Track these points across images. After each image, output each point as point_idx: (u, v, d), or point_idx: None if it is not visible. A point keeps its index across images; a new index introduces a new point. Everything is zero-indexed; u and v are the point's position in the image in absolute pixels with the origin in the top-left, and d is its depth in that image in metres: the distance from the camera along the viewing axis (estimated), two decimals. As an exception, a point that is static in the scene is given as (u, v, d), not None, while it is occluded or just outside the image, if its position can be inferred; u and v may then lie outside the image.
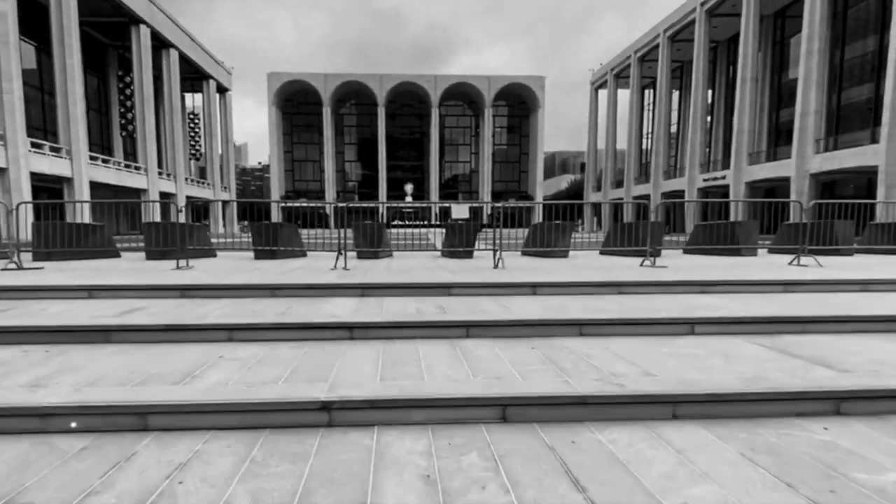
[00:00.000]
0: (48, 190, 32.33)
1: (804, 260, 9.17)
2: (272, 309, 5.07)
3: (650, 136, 57.89)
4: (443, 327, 4.46)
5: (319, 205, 47.83)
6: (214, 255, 11.63)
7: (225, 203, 53.56)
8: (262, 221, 11.35)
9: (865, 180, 31.42)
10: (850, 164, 29.40)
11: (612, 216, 56.22)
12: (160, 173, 42.85)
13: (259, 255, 10.80)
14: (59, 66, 31.10)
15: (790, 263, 9.02)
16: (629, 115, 59.82)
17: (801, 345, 4.12)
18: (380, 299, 5.77)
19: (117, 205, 32.86)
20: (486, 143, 72.48)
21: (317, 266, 8.92)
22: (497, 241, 9.26)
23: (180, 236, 9.35)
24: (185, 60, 47.34)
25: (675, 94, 55.48)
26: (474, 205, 55.62)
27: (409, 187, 73.55)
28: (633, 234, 11.29)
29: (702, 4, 42.54)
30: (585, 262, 9.76)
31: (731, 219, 35.95)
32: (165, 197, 43.60)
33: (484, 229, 16.71)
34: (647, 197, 52.66)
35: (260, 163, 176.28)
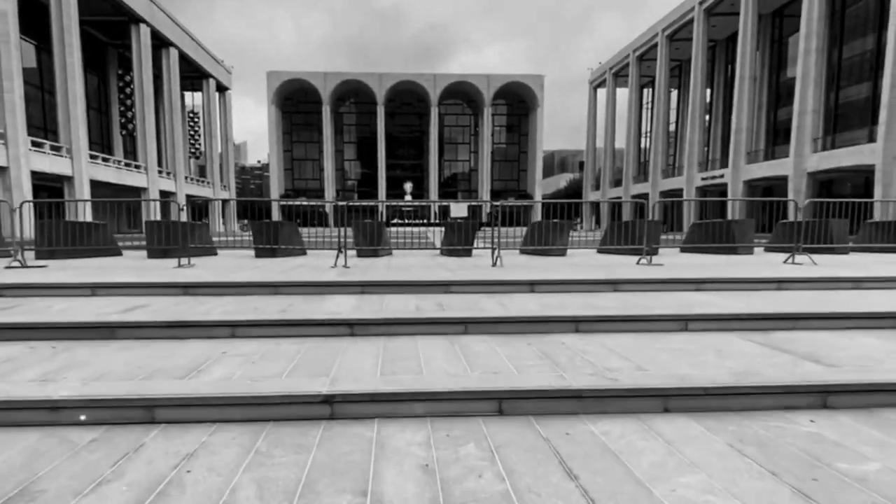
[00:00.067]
0: (48, 188, 32.38)
1: (799, 258, 9.26)
2: (274, 306, 5.15)
3: (649, 134, 58.01)
4: (442, 324, 4.55)
5: (319, 203, 47.91)
6: (215, 254, 11.71)
7: (225, 201, 53.62)
8: (262, 220, 11.42)
9: (863, 179, 31.53)
10: (848, 162, 29.51)
11: (610, 215, 56.34)
12: (160, 172, 42.89)
13: (260, 254, 10.88)
14: (60, 65, 31.15)
15: (785, 262, 9.11)
16: (628, 113, 59.90)
17: (792, 341, 4.21)
18: (380, 297, 5.86)
19: (117, 203, 32.92)
20: (485, 141, 72.58)
21: (317, 264, 9.00)
22: (495, 240, 9.34)
23: (182, 235, 9.43)
24: (184, 59, 47.37)
25: (674, 93, 55.59)
26: (473, 203, 55.74)
27: (408, 186, 73.64)
28: (630, 232, 11.38)
29: (700, 3, 42.60)
30: (583, 261, 9.85)
31: (729, 217, 36.08)
32: (165, 195, 43.67)
33: (483, 228, 16.80)
34: (645, 196, 52.76)
35: (259, 161, 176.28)
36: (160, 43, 42.70)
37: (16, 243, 8.72)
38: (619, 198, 56.90)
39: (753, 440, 2.66)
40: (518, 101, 77.25)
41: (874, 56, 30.56)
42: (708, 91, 48.33)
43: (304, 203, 33.31)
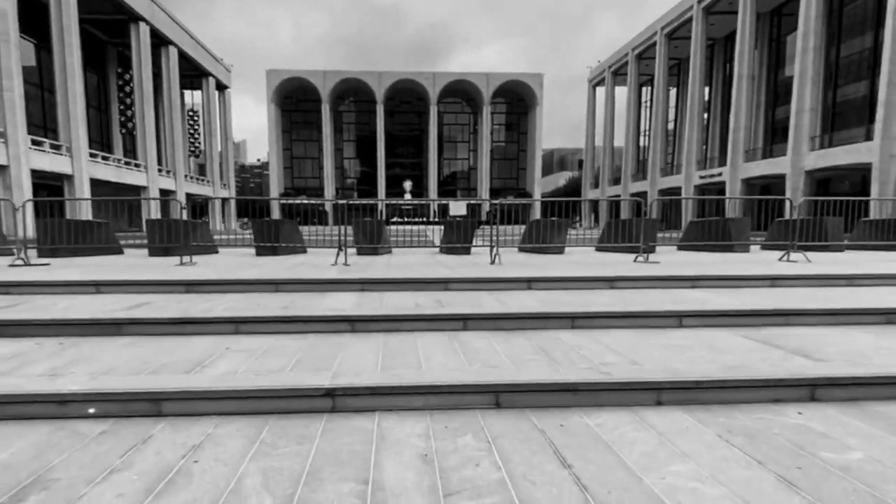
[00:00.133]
0: (48, 187, 32.43)
1: (794, 256, 9.36)
2: (276, 303, 5.24)
3: (647, 133, 58.10)
4: (441, 320, 4.64)
5: (319, 202, 47.97)
6: (216, 252, 11.79)
7: (224, 200, 53.66)
8: (263, 218, 11.50)
9: (860, 177, 31.63)
10: (845, 161, 29.61)
11: (609, 213, 56.42)
12: (160, 170, 42.93)
13: (261, 252, 10.96)
14: (59, 64, 31.18)
15: (780, 259, 9.20)
16: (627, 112, 59.93)
17: (783, 336, 4.30)
18: (380, 294, 5.95)
19: (118, 202, 32.98)
20: (484, 140, 72.59)
21: (317, 262, 9.08)
22: (494, 238, 9.42)
23: (184, 233, 9.51)
24: (184, 58, 47.37)
25: (673, 92, 55.64)
26: (472, 202, 55.84)
27: (407, 184, 73.68)
28: (628, 230, 11.47)
29: (699, 2, 42.64)
30: (581, 259, 9.94)
31: (727, 215, 36.19)
32: (165, 194, 43.71)
33: (482, 226, 16.88)
34: (644, 194, 52.84)
35: (259, 160, 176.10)
36: (160, 41, 42.71)
37: (19, 241, 8.79)
38: (618, 196, 57.04)
39: (742, 431, 2.75)
40: (517, 100, 77.25)
41: (872, 54, 30.64)
42: (706, 89, 48.39)
43: (304, 202, 33.37)
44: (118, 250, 11.52)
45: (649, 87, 58.00)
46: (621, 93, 62.40)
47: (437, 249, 12.76)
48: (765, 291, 6.04)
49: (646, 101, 60.12)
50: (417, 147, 79.30)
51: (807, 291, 6.03)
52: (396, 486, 2.22)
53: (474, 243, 11.54)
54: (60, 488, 2.21)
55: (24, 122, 27.72)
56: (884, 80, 26.77)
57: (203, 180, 53.88)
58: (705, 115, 48.44)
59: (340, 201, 10.45)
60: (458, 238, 11.37)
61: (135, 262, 9.09)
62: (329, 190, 71.51)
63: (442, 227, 12.57)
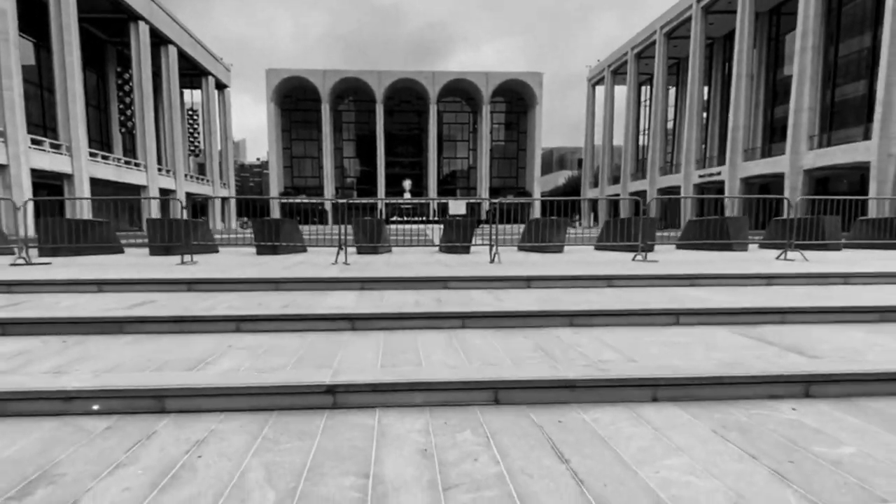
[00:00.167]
0: (48, 186, 32.47)
1: (791, 255, 9.41)
2: (277, 302, 5.28)
3: (647, 132, 58.14)
4: (440, 318, 4.68)
5: (318, 201, 47.98)
6: (217, 251, 11.83)
7: (224, 199, 53.69)
8: (263, 218, 11.54)
9: (858, 176, 31.70)
10: (843, 160, 29.68)
11: (609, 212, 56.48)
12: (160, 170, 42.97)
13: (261, 251, 11.00)
14: (59, 63, 31.20)
15: (777, 258, 9.25)
16: (626, 111, 59.98)
17: (779, 334, 4.35)
18: (380, 292, 5.99)
19: (117, 201, 33.00)
20: (483, 139, 72.62)
21: (318, 261, 9.12)
22: (493, 237, 9.47)
23: (185, 232, 9.55)
24: (183, 57, 47.40)
25: (672, 91, 55.70)
26: (472, 201, 55.86)
27: (407, 183, 73.68)
28: (626, 229, 11.52)
29: (698, 1, 42.69)
30: (579, 257, 9.98)
31: (726, 214, 36.25)
32: (165, 193, 43.74)
33: (481, 225, 16.92)
34: (643, 193, 52.90)
35: (258, 159, 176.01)
36: (159, 40, 42.73)
37: (20, 241, 8.83)
38: (618, 195, 57.10)
39: (736, 426, 2.79)
40: (517, 99, 77.28)
41: (870, 54, 30.70)
42: (706, 89, 48.45)
43: (304, 201, 33.39)
44: (119, 249, 11.56)
45: (648, 87, 58.04)
46: (621, 92, 62.50)
47: (437, 248, 12.80)
48: (761, 290, 6.09)
49: (645, 101, 60.17)
50: (417, 146, 79.32)
51: (803, 290, 6.08)
52: (397, 480, 2.27)
53: (474, 242, 11.58)
54: (67, 483, 2.26)
55: (24, 122, 27.75)
56: (882, 80, 26.84)
57: (203, 179, 53.91)
58: (704, 115, 48.51)
59: (340, 200, 10.49)
60: (457, 237, 11.42)
61: (136, 262, 9.13)
62: (329, 189, 71.52)
63: (441, 226, 12.61)
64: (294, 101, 74.81)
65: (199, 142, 55.52)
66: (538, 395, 3.15)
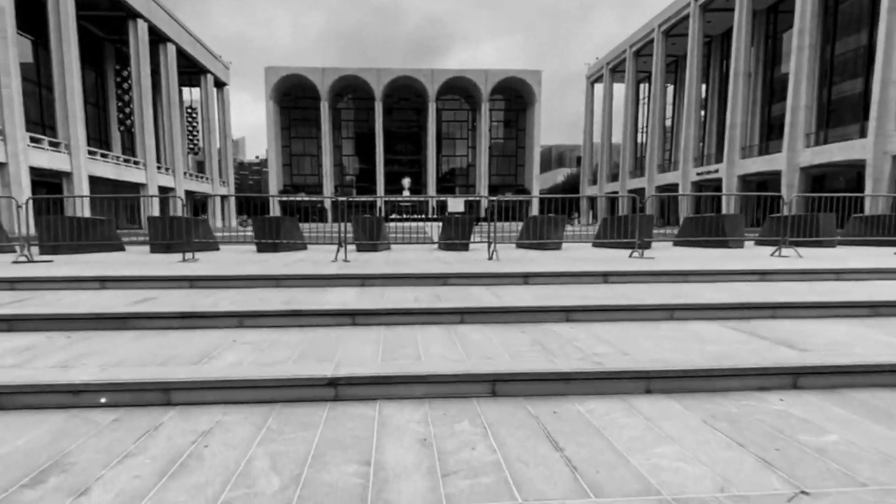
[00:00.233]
0: (47, 184, 32.47)
1: (785, 251, 9.50)
2: (278, 298, 5.35)
3: (645, 130, 58.23)
4: (439, 314, 4.77)
5: (318, 199, 48.04)
6: (217, 249, 11.89)
7: (224, 197, 53.73)
8: (263, 215, 11.61)
9: (855, 174, 31.83)
10: (840, 157, 29.82)
11: (608, 209, 56.57)
12: (159, 168, 43.00)
13: (261, 248, 11.06)
14: (57, 61, 31.19)
15: (772, 255, 9.34)
16: (624, 109, 60.05)
17: (770, 328, 4.45)
18: (380, 289, 6.07)
19: (116, 199, 33.03)
20: (482, 136, 72.65)
21: (318, 258, 9.20)
22: (491, 234, 9.55)
23: (186, 229, 9.61)
24: (182, 55, 47.38)
25: (670, 89, 55.78)
26: (470, 198, 55.94)
27: (406, 181, 73.70)
28: (624, 226, 11.60)
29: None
30: (577, 254, 10.06)
31: (724, 212, 36.35)
32: (164, 191, 43.75)
33: (479, 223, 17.00)
34: (642, 190, 53.01)
35: (257, 157, 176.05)
36: (158, 38, 42.71)
37: (22, 238, 8.90)
38: (616, 192, 57.16)
39: (725, 417, 2.89)
40: (516, 97, 77.29)
41: (866, 52, 30.80)
42: (703, 86, 48.53)
43: (304, 198, 33.40)
44: (119, 247, 11.62)
45: (647, 84, 58.14)
46: (619, 90, 62.55)
47: (436, 246, 12.87)
48: (755, 286, 6.18)
49: (643, 98, 60.26)
50: (416, 144, 79.33)
51: (795, 285, 6.17)
52: (397, 467, 2.36)
53: (472, 239, 11.67)
54: (78, 471, 2.34)
55: (23, 120, 27.76)
56: (877, 78, 26.98)
57: (202, 177, 53.91)
58: (702, 112, 48.61)
59: (340, 198, 10.56)
60: (456, 234, 11.50)
61: (137, 259, 9.20)
62: (328, 187, 71.54)
63: (440, 224, 12.69)
64: (293, 98, 74.77)
65: (198, 140, 55.54)
66: (534, 388, 3.24)
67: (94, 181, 34.59)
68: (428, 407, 3.06)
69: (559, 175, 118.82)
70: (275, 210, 47.25)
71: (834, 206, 13.00)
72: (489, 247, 9.40)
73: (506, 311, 4.81)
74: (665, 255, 9.72)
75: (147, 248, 11.76)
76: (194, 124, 55.21)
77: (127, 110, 40.84)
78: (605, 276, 6.54)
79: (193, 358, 3.66)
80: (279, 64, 70.78)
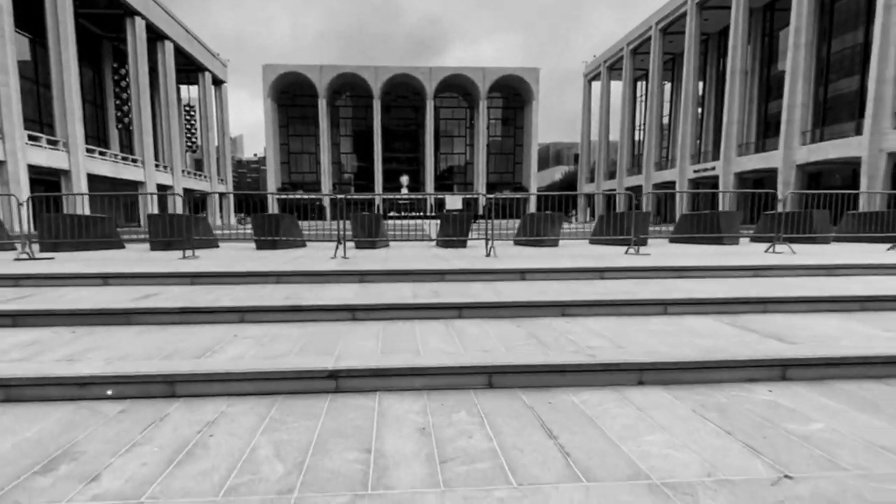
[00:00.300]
0: (45, 182, 32.46)
1: (779, 248, 9.60)
2: (278, 294, 5.43)
3: (642, 127, 58.31)
4: (437, 309, 4.85)
5: (316, 197, 48.09)
6: (217, 246, 11.95)
7: (222, 195, 53.70)
8: (263, 213, 11.68)
9: (850, 171, 31.97)
10: (835, 155, 29.96)
11: (606, 206, 56.68)
12: (157, 166, 42.97)
13: (261, 246, 11.14)
14: (55, 59, 31.15)
15: (766, 251, 9.44)
16: (622, 106, 60.08)
17: (761, 322, 4.54)
18: (378, 285, 6.15)
19: (114, 197, 33.04)
20: (480, 134, 72.68)
21: (317, 255, 9.27)
22: (489, 231, 9.63)
23: (186, 227, 9.68)
24: (180, 52, 47.31)
25: (667, 86, 55.86)
26: (468, 196, 56.00)
27: (404, 179, 73.69)
28: (620, 223, 11.69)
29: (693, -3, 42.90)
30: (574, 251, 10.14)
31: (720, 209, 36.47)
32: (162, 189, 43.71)
33: (477, 220, 17.08)
34: (639, 188, 53.12)
35: (256, 155, 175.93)
36: (155, 36, 42.64)
37: (23, 236, 8.96)
38: (614, 190, 57.25)
39: (715, 407, 2.98)
40: (513, 94, 77.32)
41: (862, 50, 30.92)
42: (700, 84, 48.65)
43: (302, 196, 33.46)
44: (119, 245, 11.67)
45: (644, 82, 58.24)
46: (617, 87, 62.60)
47: (434, 243, 12.95)
48: (748, 281, 6.27)
49: (641, 96, 60.32)
50: (414, 142, 79.32)
51: (787, 281, 6.27)
52: (397, 455, 2.45)
53: (470, 237, 11.74)
54: (88, 459, 2.42)
55: (21, 118, 27.73)
56: (873, 76, 27.11)
57: (200, 175, 53.87)
58: (699, 110, 48.72)
59: (339, 196, 10.62)
60: (454, 231, 11.58)
61: (137, 256, 9.26)
62: (326, 185, 71.51)
63: (438, 222, 12.76)
64: (291, 96, 74.68)
65: (196, 138, 55.49)
66: (530, 380, 3.32)
67: (93, 179, 34.58)
68: (426, 398, 3.15)
69: (557, 173, 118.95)
70: (273, 208, 47.29)
71: (829, 203, 13.11)
72: (487, 244, 9.48)
73: (502, 306, 4.90)
74: (661, 251, 9.81)
75: (147, 245, 11.82)
76: (192, 122, 55.17)
77: (125, 108, 40.81)
78: (601, 272, 6.63)
79: (196, 352, 3.74)
80: (277, 62, 70.58)
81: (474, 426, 2.76)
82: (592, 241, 12.94)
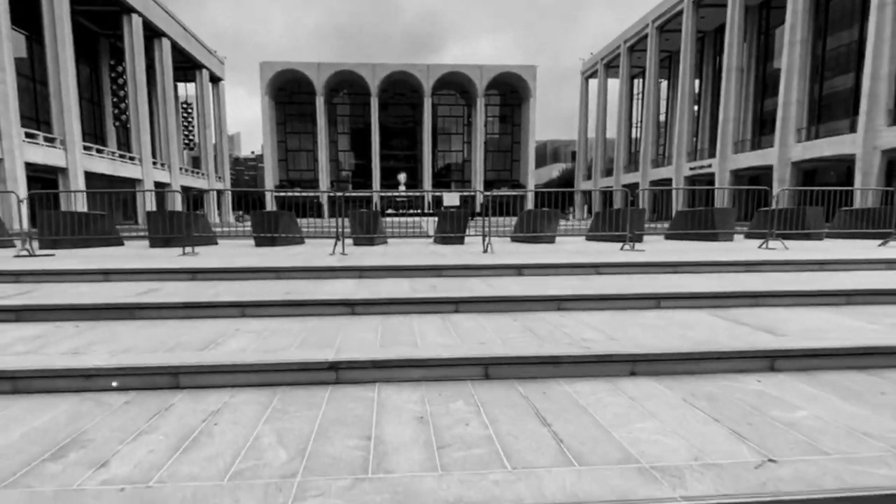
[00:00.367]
0: (42, 180, 32.40)
1: (772, 244, 9.71)
2: (278, 289, 5.50)
3: (639, 125, 58.41)
4: (435, 303, 4.94)
5: (315, 194, 48.11)
6: (216, 243, 12.01)
7: (220, 193, 53.62)
8: (262, 210, 11.74)
9: (845, 168, 32.11)
10: (830, 152, 30.12)
11: (602, 204, 56.81)
12: (154, 163, 42.89)
13: (260, 242, 11.20)
14: (52, 56, 31.07)
15: (759, 247, 9.55)
16: (619, 104, 60.19)
17: (752, 315, 4.64)
18: (377, 280, 6.24)
19: (113, 194, 33.03)
20: (478, 132, 72.71)
21: (316, 252, 9.34)
22: (486, 228, 9.72)
23: (186, 224, 9.74)
24: (177, 50, 47.17)
25: (664, 84, 55.95)
26: (465, 193, 55.98)
27: (402, 176, 73.61)
28: (616, 220, 11.78)
29: (689, -6, 42.99)
30: (570, 248, 10.23)
31: (716, 206, 36.63)
32: (160, 187, 43.65)
33: (474, 217, 17.17)
34: (636, 185, 53.25)
35: (253, 152, 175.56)
36: (152, 33, 42.50)
37: (23, 233, 9.01)
38: (610, 187, 57.35)
39: (705, 396, 3.07)
40: (511, 92, 77.32)
41: (857, 47, 31.06)
42: (697, 82, 48.75)
43: (300, 194, 33.48)
44: (119, 242, 11.73)
45: (641, 80, 58.29)
46: (614, 85, 62.67)
47: (432, 239, 13.03)
48: (740, 276, 6.38)
49: (638, 94, 60.38)
50: (412, 139, 79.30)
51: (779, 276, 6.37)
52: (396, 441, 2.53)
53: (468, 233, 11.83)
54: (96, 447, 2.50)
55: (17, 115, 27.65)
56: (867, 73, 27.26)
57: (198, 173, 53.77)
58: (695, 107, 48.82)
59: (338, 193, 10.69)
60: (451, 228, 11.66)
61: (137, 253, 9.32)
62: (324, 182, 71.45)
63: (436, 218, 12.84)
64: (288, 94, 74.53)
65: (193, 135, 55.38)
66: (525, 371, 3.41)
67: (90, 177, 34.51)
68: (424, 389, 3.24)
69: (554, 170, 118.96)
70: (271, 205, 47.24)
71: (823, 199, 13.23)
72: (484, 240, 9.57)
73: (499, 301, 4.99)
74: (656, 247, 9.90)
75: (146, 242, 11.88)
76: (190, 119, 55.06)
77: (122, 105, 40.73)
78: (597, 268, 6.72)
79: (199, 345, 3.82)
80: (274, 59, 70.43)
81: (471, 415, 2.85)
82: (589, 238, 13.04)
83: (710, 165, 41.83)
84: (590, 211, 61.90)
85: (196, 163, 59.10)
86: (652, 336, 3.97)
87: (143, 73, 39.57)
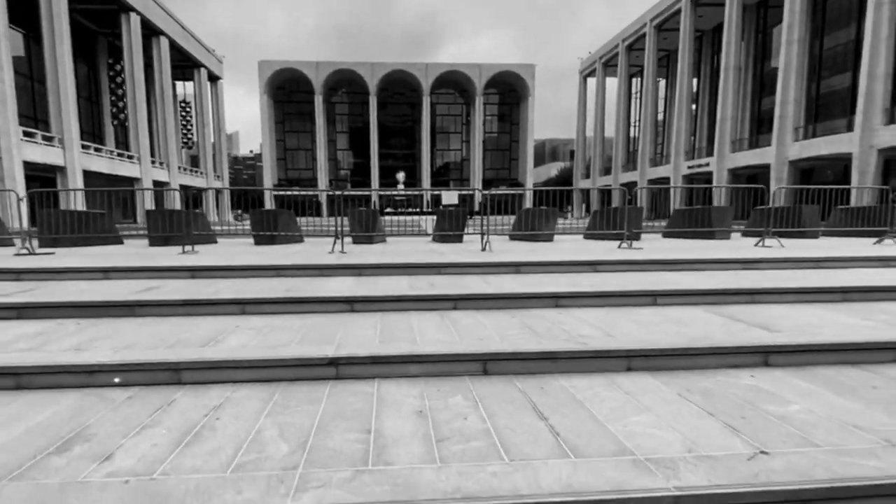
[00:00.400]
0: (40, 179, 32.35)
1: (769, 241, 9.77)
2: (278, 287, 5.54)
3: (637, 123, 58.48)
4: (433, 300, 4.98)
5: (314, 193, 48.09)
6: (215, 241, 12.03)
7: (218, 191, 53.58)
8: (261, 209, 11.76)
9: (842, 167, 32.19)
10: (827, 151, 30.21)
11: (600, 202, 56.87)
12: (153, 162, 42.85)
13: (259, 241, 11.23)
14: (50, 55, 31.02)
15: (756, 245, 9.60)
16: (617, 103, 60.25)
17: (747, 312, 4.68)
18: (376, 278, 6.27)
19: (111, 193, 33.00)
20: (476, 130, 72.71)
21: (315, 250, 9.36)
22: (484, 226, 9.76)
23: (185, 222, 9.77)
24: (175, 48, 47.09)
25: (662, 83, 56.04)
26: (464, 192, 56.09)
27: (400, 175, 73.63)
28: (614, 218, 11.83)
29: (687, -7, 43.03)
30: (568, 246, 10.27)
31: (714, 204, 36.70)
32: (158, 186, 43.60)
33: (474, 216, 17.21)
34: (634, 184, 53.31)
35: (251, 151, 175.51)
36: (151, 32, 42.43)
37: (23, 232, 9.03)
38: (609, 186, 57.43)
39: (700, 390, 3.12)
40: (509, 91, 77.33)
41: (854, 47, 31.14)
42: (694, 81, 48.81)
43: (299, 192, 33.47)
44: (118, 240, 11.75)
45: (639, 79, 58.35)
46: (612, 84, 62.73)
47: (431, 238, 13.08)
48: (736, 273, 6.43)
49: (636, 92, 60.45)
50: (410, 138, 79.30)
51: (775, 273, 6.42)
52: (395, 434, 2.58)
53: (466, 231, 11.87)
54: (100, 440, 2.55)
55: (16, 114, 27.62)
56: (864, 72, 27.34)
57: (196, 172, 53.71)
58: (693, 106, 48.89)
59: (337, 192, 10.72)
60: (450, 226, 11.70)
61: (137, 252, 9.35)
62: (322, 181, 71.42)
63: (435, 217, 12.88)
64: (287, 92, 74.46)
65: (192, 134, 55.32)
66: (523, 366, 3.46)
67: (88, 175, 34.48)
68: (423, 384, 3.28)
69: (553, 169, 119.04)
70: (270, 204, 47.18)
71: (820, 198, 13.29)
72: (482, 238, 9.61)
73: (497, 298, 5.03)
74: (653, 245, 9.95)
75: (145, 241, 11.90)
76: (188, 118, 55.00)
77: (120, 104, 40.68)
78: (594, 266, 6.77)
79: (200, 341, 3.86)
80: (273, 58, 70.35)
81: (469, 409, 2.89)
82: (587, 236, 13.08)
83: (707, 164, 41.93)
84: (588, 209, 61.92)
85: (195, 161, 59.00)
86: (648, 332, 4.02)
87: (141, 71, 39.51)
